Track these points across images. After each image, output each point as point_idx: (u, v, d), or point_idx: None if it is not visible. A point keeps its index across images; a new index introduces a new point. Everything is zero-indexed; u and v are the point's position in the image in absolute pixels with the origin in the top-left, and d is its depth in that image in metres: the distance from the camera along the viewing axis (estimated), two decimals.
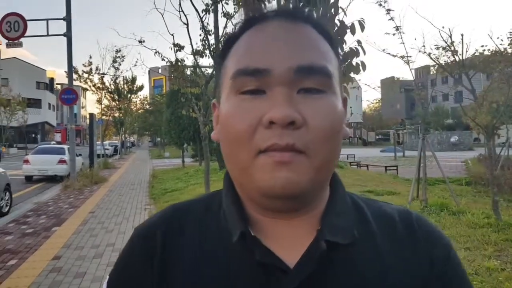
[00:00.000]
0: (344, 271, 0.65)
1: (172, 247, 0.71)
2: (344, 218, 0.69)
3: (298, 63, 0.62)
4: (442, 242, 0.73)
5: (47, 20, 15.16)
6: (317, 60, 0.64)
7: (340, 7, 3.12)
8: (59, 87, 74.29)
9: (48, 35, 15.33)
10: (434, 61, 9.37)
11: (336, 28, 3.04)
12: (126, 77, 33.57)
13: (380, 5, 7.34)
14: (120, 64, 27.65)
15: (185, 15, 11.34)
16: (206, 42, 11.54)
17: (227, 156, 0.68)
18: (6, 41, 14.79)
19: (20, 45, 14.95)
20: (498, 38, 29.14)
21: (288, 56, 0.63)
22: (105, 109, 30.51)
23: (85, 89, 31.58)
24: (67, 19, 15.42)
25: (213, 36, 12.21)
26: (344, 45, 3.10)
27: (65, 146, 19.40)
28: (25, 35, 14.83)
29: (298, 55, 0.63)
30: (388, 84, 58.33)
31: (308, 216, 0.69)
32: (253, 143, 0.61)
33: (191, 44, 11.19)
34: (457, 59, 9.16)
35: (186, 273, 0.68)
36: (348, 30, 3.09)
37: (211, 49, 11.72)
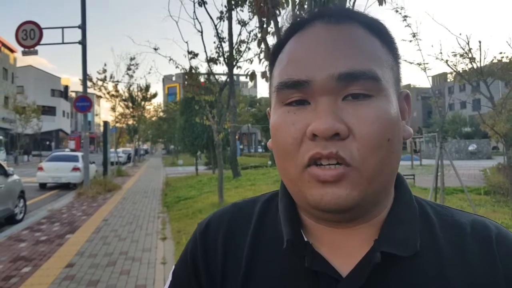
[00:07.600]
0: (399, 285, 0.61)
1: (229, 247, 0.73)
2: (407, 228, 0.64)
3: (339, 70, 0.59)
4: None
5: (62, 28, 15.34)
6: (359, 64, 0.60)
7: None
8: (73, 94, 75.10)
9: (63, 43, 15.54)
10: (452, 68, 9.25)
11: None
12: (140, 84, 33.77)
13: (397, 11, 7.22)
14: (134, 72, 27.77)
15: (200, 23, 11.44)
16: (220, 49, 11.60)
17: (278, 166, 0.67)
18: (22, 49, 14.96)
19: (35, 53, 15.13)
20: None
21: (329, 63, 0.60)
22: (119, 116, 30.70)
23: (99, 97, 31.79)
24: (82, 27, 15.55)
25: (227, 43, 12.26)
26: None
27: (79, 154, 19.52)
28: (41, 43, 15.01)
29: (338, 61, 0.60)
30: None
31: (368, 225, 0.66)
32: (299, 156, 0.60)
33: (205, 51, 11.28)
34: (475, 66, 9.04)
35: (238, 274, 0.69)
36: None
37: (225, 57, 11.75)
